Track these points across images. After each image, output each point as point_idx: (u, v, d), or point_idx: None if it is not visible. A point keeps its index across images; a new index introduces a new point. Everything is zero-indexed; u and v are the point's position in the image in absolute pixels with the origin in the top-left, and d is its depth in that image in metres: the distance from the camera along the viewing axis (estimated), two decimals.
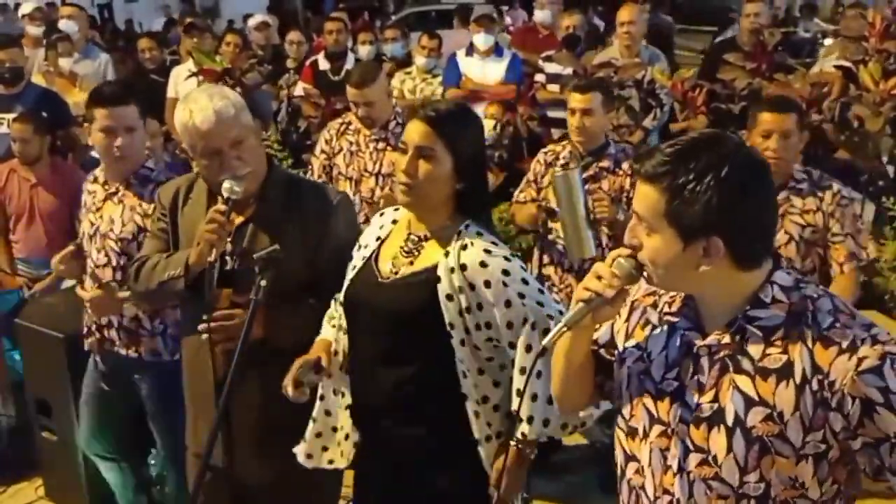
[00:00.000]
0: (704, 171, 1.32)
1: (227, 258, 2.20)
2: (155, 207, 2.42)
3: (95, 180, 2.86)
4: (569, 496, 3.48)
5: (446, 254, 1.93)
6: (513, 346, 1.93)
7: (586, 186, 3.12)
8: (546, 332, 1.77)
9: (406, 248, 2.02)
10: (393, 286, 1.98)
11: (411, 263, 1.99)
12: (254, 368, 2.05)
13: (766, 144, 2.79)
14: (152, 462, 3.18)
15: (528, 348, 1.91)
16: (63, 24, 5.89)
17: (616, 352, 1.58)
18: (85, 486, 3.24)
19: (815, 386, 1.33)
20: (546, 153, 3.56)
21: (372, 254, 2.07)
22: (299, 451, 2.18)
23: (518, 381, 1.92)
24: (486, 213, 2.06)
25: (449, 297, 1.91)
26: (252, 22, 7.03)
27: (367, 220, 3.57)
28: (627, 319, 1.58)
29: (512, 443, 1.95)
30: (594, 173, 3.35)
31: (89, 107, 2.70)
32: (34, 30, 6.34)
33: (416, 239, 2.01)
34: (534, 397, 1.92)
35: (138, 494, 3.12)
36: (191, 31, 6.26)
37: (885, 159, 4.55)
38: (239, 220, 2.23)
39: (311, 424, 2.16)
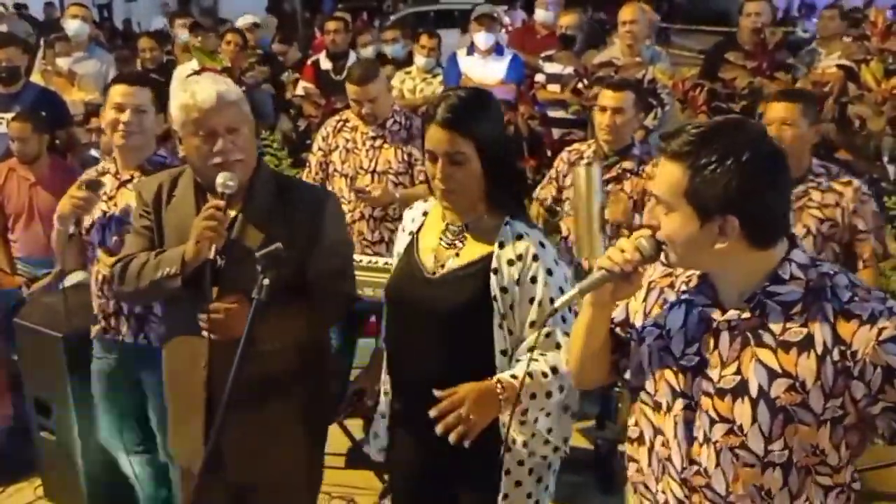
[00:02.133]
0: (727, 154, 1.38)
1: (217, 256, 2.16)
2: (137, 203, 2.36)
3: (105, 172, 2.85)
4: (568, 497, 3.47)
5: (500, 244, 1.95)
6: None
7: (608, 186, 3.10)
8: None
9: (447, 241, 2.03)
10: (443, 282, 1.99)
11: (457, 255, 2.00)
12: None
13: (774, 133, 2.79)
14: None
15: (532, 324, 1.95)
16: (72, 24, 5.84)
17: (633, 331, 1.64)
18: (84, 487, 3.22)
19: (836, 356, 1.40)
20: (570, 151, 3.56)
21: (409, 248, 2.08)
22: (372, 448, 2.23)
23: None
24: (522, 201, 2.08)
25: (504, 290, 1.94)
26: (242, 23, 6.99)
27: (361, 217, 3.60)
28: (645, 300, 1.64)
29: (494, 379, 1.91)
30: (617, 174, 3.34)
31: (108, 88, 2.78)
32: None
33: (456, 230, 2.02)
34: (544, 374, 1.92)
35: (159, 487, 3.11)
36: (195, 30, 6.25)
37: (885, 159, 4.55)
38: (230, 214, 2.20)
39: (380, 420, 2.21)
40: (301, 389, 2.31)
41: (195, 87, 2.15)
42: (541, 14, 6.13)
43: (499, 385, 1.90)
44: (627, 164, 3.35)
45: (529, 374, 1.88)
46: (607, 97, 3.31)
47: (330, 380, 2.47)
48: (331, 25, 5.83)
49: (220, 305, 2.09)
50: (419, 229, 2.11)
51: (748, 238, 1.41)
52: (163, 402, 2.69)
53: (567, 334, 1.90)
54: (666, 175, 1.44)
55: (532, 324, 1.95)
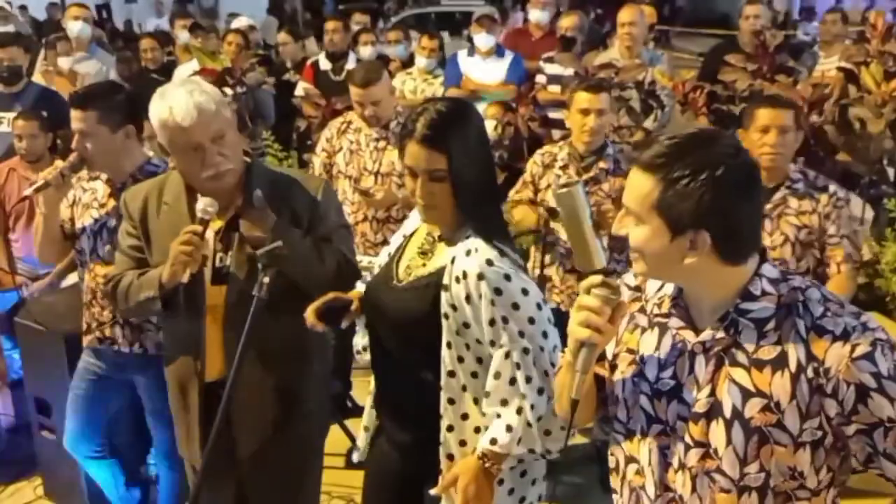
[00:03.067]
0: (701, 168, 1.34)
1: (220, 255, 2.18)
2: (121, 218, 2.32)
3: (97, 178, 2.84)
4: (569, 496, 3.47)
5: (453, 260, 1.90)
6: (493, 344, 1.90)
7: (586, 188, 3.09)
8: (519, 364, 1.83)
9: (423, 249, 2.02)
10: (402, 290, 1.98)
11: (424, 265, 1.99)
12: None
13: (764, 140, 2.80)
14: (152, 462, 3.16)
15: (497, 375, 1.89)
16: (74, 25, 5.84)
17: (606, 361, 1.60)
18: (84, 486, 3.23)
19: (810, 374, 1.36)
20: (543, 154, 3.53)
21: (396, 252, 2.08)
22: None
23: (488, 404, 1.90)
24: (496, 209, 2.01)
25: (454, 307, 1.89)
26: (238, 24, 6.99)
27: (365, 219, 3.61)
28: None
29: (477, 453, 1.90)
30: (595, 174, 3.34)
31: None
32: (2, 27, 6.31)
33: (432, 239, 2.02)
34: (518, 411, 1.88)
35: (130, 489, 3.11)
36: (196, 31, 6.25)
37: (885, 161, 4.55)
38: (219, 224, 2.19)
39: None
40: (302, 389, 2.33)
41: (172, 103, 2.07)
42: (535, 14, 6.09)
43: (483, 459, 1.89)
44: (604, 164, 3.36)
45: (493, 440, 1.88)
46: (590, 100, 3.30)
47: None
48: (330, 25, 5.82)
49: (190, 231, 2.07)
50: (412, 234, 2.10)
51: (719, 253, 1.38)
52: (159, 403, 2.71)
53: (526, 350, 1.87)
54: (637, 186, 1.40)
55: (492, 343, 1.89)
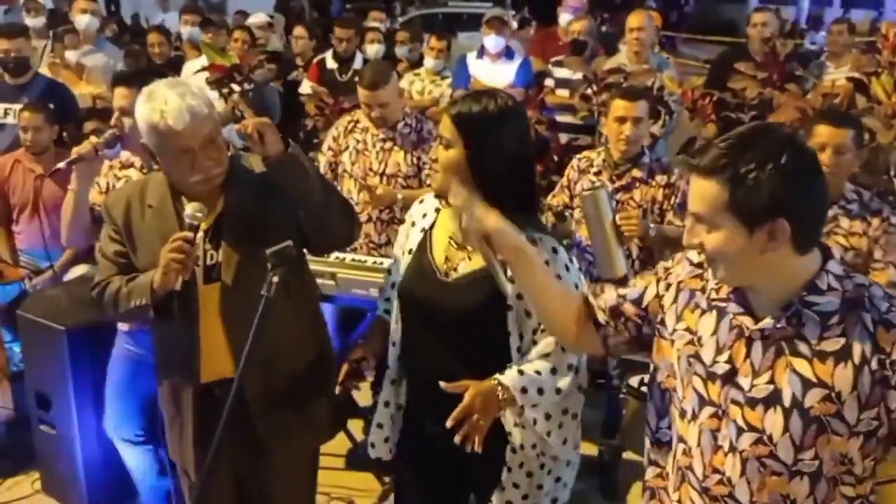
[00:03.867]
0: (765, 160, 1.37)
1: (211, 252, 2.16)
2: (106, 224, 2.28)
3: (131, 165, 2.84)
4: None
5: None
6: None
7: (617, 195, 3.08)
8: None
9: (457, 240, 2.04)
10: (457, 285, 2.00)
11: (469, 259, 2.00)
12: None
13: (819, 157, 2.71)
14: None
15: (544, 355, 1.97)
16: (81, 19, 5.83)
17: (661, 327, 1.63)
18: (83, 482, 3.21)
19: (874, 366, 1.40)
20: (580, 159, 3.54)
21: (421, 245, 2.09)
22: (374, 437, 2.23)
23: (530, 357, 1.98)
24: (534, 207, 2.07)
25: (519, 296, 1.94)
26: (255, 20, 7.00)
27: (369, 219, 3.59)
28: (675, 300, 1.62)
29: (493, 380, 1.94)
30: (627, 183, 3.33)
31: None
32: (32, 21, 6.30)
33: None
34: (537, 371, 1.95)
35: (161, 479, 3.10)
36: (206, 26, 6.24)
37: (892, 172, 4.52)
38: (207, 223, 2.17)
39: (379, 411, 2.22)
40: (305, 393, 2.31)
41: (164, 107, 2.01)
42: (565, 19, 6.07)
43: (499, 386, 1.92)
44: (637, 173, 3.34)
45: (520, 371, 1.93)
46: (626, 107, 3.27)
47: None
48: (341, 34, 5.79)
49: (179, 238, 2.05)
50: (432, 226, 2.12)
51: (796, 241, 1.41)
52: None
53: None
54: (703, 192, 1.42)
55: (536, 330, 1.97)
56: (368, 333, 2.30)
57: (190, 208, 2.05)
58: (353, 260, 3.32)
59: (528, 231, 1.96)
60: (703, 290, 1.59)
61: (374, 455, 2.26)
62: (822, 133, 2.74)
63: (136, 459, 3.05)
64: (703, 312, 1.56)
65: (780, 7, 11.65)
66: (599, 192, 2.58)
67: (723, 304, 1.53)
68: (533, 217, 2.03)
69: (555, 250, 1.98)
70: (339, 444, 3.46)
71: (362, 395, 3.62)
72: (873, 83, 4.18)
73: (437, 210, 2.13)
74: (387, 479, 3.46)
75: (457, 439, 1.88)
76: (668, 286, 1.63)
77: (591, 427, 3.61)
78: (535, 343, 1.99)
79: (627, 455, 3.50)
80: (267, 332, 1.83)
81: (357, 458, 3.56)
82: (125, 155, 2.89)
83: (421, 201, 2.21)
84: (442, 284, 2.02)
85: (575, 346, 1.85)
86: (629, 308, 1.69)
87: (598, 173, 3.40)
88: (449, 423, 1.89)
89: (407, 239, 2.19)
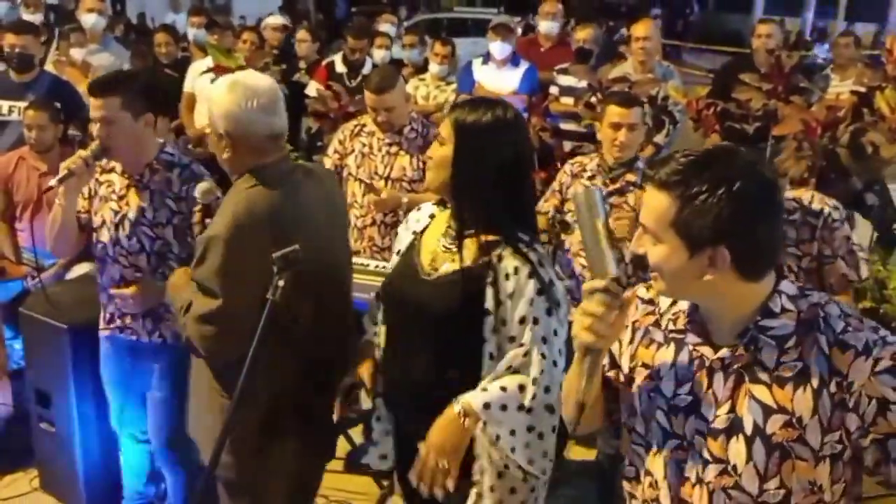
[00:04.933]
0: (718, 184, 1.34)
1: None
2: (142, 210, 2.43)
3: (111, 170, 2.84)
4: None
5: (499, 257, 1.96)
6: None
7: (611, 199, 3.09)
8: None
9: (446, 244, 2.05)
10: (438, 283, 2.01)
11: (453, 260, 2.01)
12: None
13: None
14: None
15: (512, 339, 1.98)
16: (88, 18, 5.83)
17: (621, 373, 1.60)
18: (82, 479, 3.21)
19: (832, 388, 1.37)
20: (573, 164, 3.54)
21: (410, 248, 2.12)
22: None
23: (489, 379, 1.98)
24: (525, 215, 2.06)
25: (499, 303, 1.95)
26: (272, 20, 7.02)
27: (373, 223, 3.60)
28: (631, 341, 1.59)
29: (453, 403, 1.96)
30: (621, 186, 3.33)
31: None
32: (30, 17, 6.30)
33: (454, 233, 2.04)
34: (502, 388, 1.95)
35: (148, 485, 3.11)
36: (212, 28, 6.24)
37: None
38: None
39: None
40: (307, 395, 2.32)
41: (256, 89, 2.19)
42: (545, 25, 6.09)
43: (461, 414, 1.94)
44: (631, 177, 3.35)
45: (483, 389, 1.94)
46: (620, 114, 3.29)
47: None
48: (355, 45, 5.79)
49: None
50: (423, 231, 2.14)
51: (738, 269, 1.37)
52: (167, 391, 2.76)
53: (543, 356, 1.94)
54: (653, 204, 1.40)
55: (512, 339, 1.96)
56: (357, 359, 2.28)
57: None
58: (357, 264, 3.33)
59: (518, 238, 1.98)
60: (657, 324, 1.56)
61: (374, 466, 2.27)
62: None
63: (132, 457, 3.06)
64: (660, 346, 1.54)
65: (784, 18, 11.68)
66: (592, 190, 2.60)
67: (680, 336, 1.50)
68: (523, 226, 2.02)
69: (540, 263, 1.97)
70: (338, 447, 3.45)
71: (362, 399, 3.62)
72: (877, 97, 4.18)
73: (432, 216, 2.15)
74: (385, 483, 3.46)
75: (423, 491, 1.95)
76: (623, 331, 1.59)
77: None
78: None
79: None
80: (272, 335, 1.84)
81: (355, 462, 3.56)
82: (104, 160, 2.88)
83: (419, 209, 2.22)
84: (423, 282, 2.04)
85: (583, 430, 1.79)
86: (610, 375, 1.65)
87: (591, 178, 3.40)
88: (413, 483, 1.96)
89: (400, 242, 2.22)
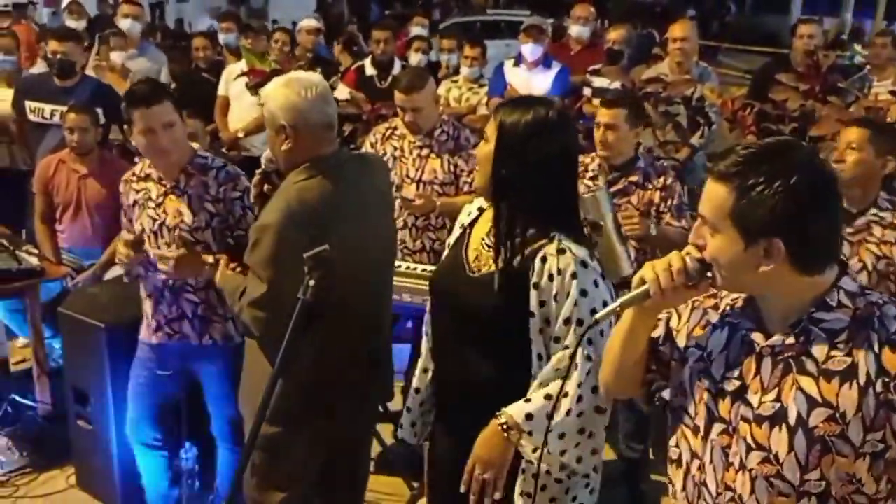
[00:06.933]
0: (775, 176, 1.36)
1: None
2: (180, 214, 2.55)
3: (146, 178, 2.88)
4: None
5: (543, 258, 1.95)
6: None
7: (614, 200, 3.07)
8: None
9: (488, 242, 2.06)
10: (481, 283, 2.02)
11: (495, 261, 2.01)
12: None
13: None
14: (185, 456, 3.19)
15: (557, 340, 1.98)
16: (124, 23, 5.93)
17: (676, 350, 1.62)
18: (118, 477, 3.26)
19: (878, 388, 1.37)
20: None
21: (459, 241, 2.13)
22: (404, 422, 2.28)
23: (535, 388, 1.98)
24: (570, 216, 2.05)
25: (542, 304, 1.95)
26: (307, 23, 7.07)
27: (404, 226, 3.61)
28: (688, 320, 1.62)
29: (497, 417, 1.97)
30: (623, 187, 3.30)
31: (127, 109, 2.73)
32: (74, 24, 6.41)
33: (494, 235, 2.04)
34: (546, 396, 1.94)
35: (172, 488, 3.14)
36: (247, 32, 6.31)
37: None
38: None
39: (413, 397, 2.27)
40: (342, 395, 2.35)
41: (311, 85, 2.27)
42: (575, 30, 6.11)
43: (503, 426, 1.95)
44: (633, 178, 3.32)
45: (527, 399, 1.95)
46: (601, 114, 3.30)
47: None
48: (379, 35, 5.80)
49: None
50: (472, 224, 2.15)
51: (794, 262, 1.38)
52: (226, 388, 2.80)
53: (589, 358, 1.92)
54: (712, 195, 1.42)
55: (557, 339, 1.95)
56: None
57: (267, 154, 2.38)
58: None
59: (562, 238, 1.97)
60: (715, 307, 1.58)
61: (400, 435, 2.32)
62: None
63: (149, 464, 3.10)
64: (715, 329, 1.56)
65: (823, 18, 11.49)
66: (600, 192, 2.58)
67: (735, 321, 1.52)
68: (568, 225, 2.02)
69: (584, 264, 1.96)
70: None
71: (394, 400, 3.62)
72: None
73: (481, 209, 2.15)
74: (415, 484, 3.46)
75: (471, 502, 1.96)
76: (684, 308, 1.62)
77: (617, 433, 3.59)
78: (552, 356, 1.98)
79: (657, 467, 3.46)
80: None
81: (386, 463, 3.57)
82: (141, 167, 2.93)
83: (471, 202, 2.24)
84: (468, 280, 2.05)
85: (618, 394, 1.85)
86: (662, 349, 1.66)
87: (593, 178, 3.38)
88: (462, 489, 1.98)
89: (453, 235, 2.24)
